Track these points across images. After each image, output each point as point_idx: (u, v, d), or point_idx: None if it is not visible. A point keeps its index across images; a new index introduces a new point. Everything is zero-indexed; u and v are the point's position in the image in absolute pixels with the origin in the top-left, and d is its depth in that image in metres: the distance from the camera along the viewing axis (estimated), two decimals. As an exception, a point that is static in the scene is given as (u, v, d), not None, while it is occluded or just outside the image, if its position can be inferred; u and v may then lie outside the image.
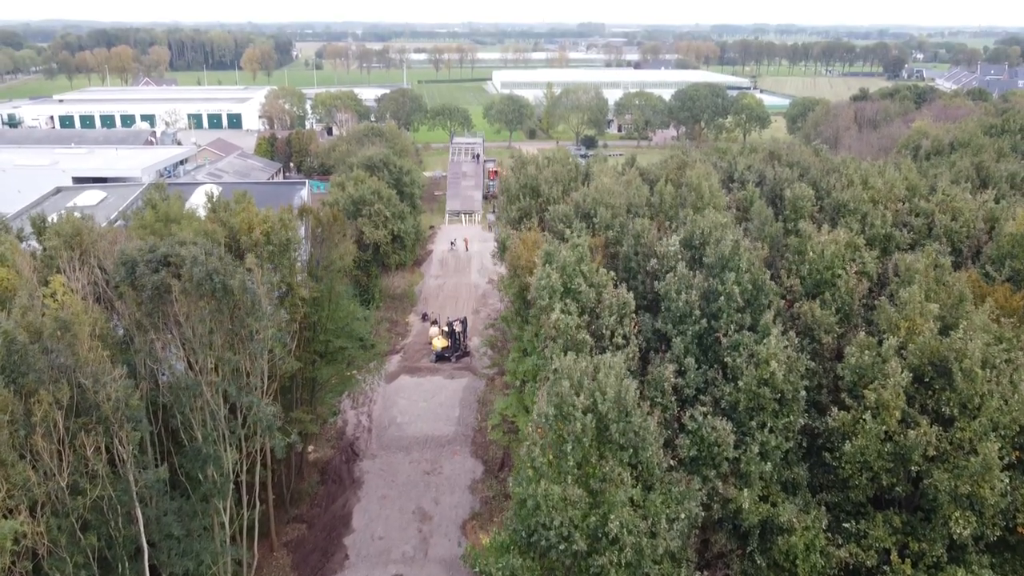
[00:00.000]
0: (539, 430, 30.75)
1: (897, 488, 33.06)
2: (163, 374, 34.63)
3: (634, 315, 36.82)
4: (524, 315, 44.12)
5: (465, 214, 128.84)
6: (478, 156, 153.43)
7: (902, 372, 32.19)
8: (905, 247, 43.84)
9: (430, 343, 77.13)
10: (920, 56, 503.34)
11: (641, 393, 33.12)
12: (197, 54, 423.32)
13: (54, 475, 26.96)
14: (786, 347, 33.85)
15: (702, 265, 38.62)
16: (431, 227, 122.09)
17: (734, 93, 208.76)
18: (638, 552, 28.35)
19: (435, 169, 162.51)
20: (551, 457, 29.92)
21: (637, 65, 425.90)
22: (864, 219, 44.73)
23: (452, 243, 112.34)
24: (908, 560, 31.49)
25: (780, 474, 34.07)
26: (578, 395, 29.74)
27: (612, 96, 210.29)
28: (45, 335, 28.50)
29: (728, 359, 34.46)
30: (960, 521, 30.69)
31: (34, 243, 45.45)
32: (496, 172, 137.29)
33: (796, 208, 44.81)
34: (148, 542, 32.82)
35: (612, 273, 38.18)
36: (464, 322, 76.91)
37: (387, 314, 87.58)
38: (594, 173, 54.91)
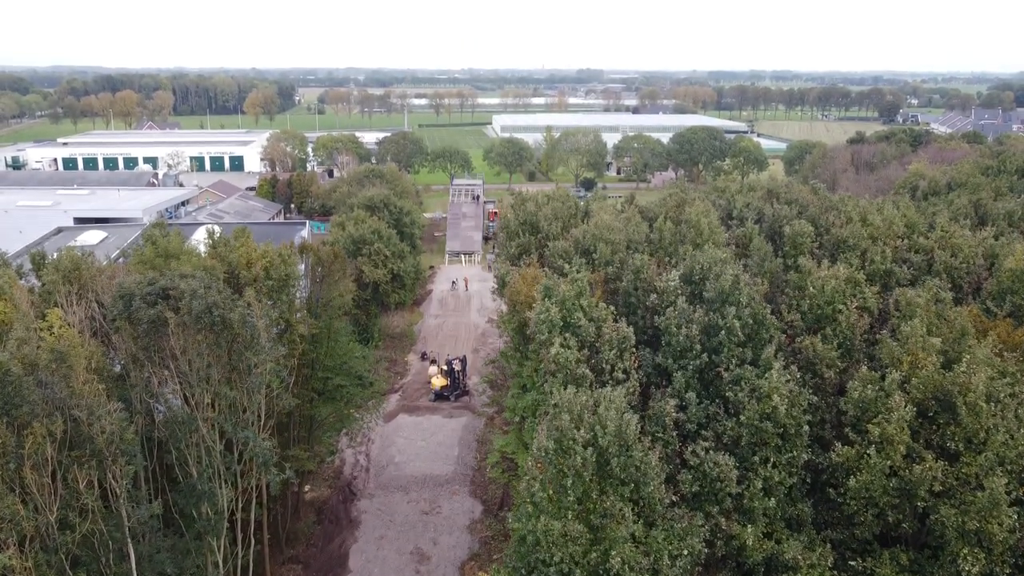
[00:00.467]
0: (539, 465, 30.32)
1: (903, 525, 32.47)
2: (159, 410, 34.26)
3: (634, 349, 36.57)
4: (523, 351, 43.84)
5: (465, 254, 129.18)
6: (478, 197, 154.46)
7: (906, 406, 31.86)
8: (905, 283, 43.75)
9: (429, 382, 76.65)
10: (915, 101, 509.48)
11: (642, 428, 32.68)
12: (200, 99, 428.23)
13: (44, 509, 26.44)
14: (788, 381, 33.55)
15: (702, 300, 38.48)
16: (431, 267, 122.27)
17: (731, 136, 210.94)
18: (640, 590, 27.73)
19: (435, 211, 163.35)
20: (551, 492, 29.44)
21: (635, 110, 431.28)
22: (864, 255, 44.73)
23: (453, 282, 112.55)
24: (916, 599, 30.82)
25: (784, 511, 33.52)
26: (578, 429, 29.36)
27: (611, 139, 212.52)
28: (40, 366, 28.22)
29: (730, 393, 34.15)
30: (968, 558, 30.03)
31: (33, 280, 45.37)
32: (496, 213, 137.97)
33: (795, 244, 44.84)
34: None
35: (612, 308, 38.03)
36: (463, 360, 76.51)
37: (386, 353, 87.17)
38: (593, 211, 55.14)
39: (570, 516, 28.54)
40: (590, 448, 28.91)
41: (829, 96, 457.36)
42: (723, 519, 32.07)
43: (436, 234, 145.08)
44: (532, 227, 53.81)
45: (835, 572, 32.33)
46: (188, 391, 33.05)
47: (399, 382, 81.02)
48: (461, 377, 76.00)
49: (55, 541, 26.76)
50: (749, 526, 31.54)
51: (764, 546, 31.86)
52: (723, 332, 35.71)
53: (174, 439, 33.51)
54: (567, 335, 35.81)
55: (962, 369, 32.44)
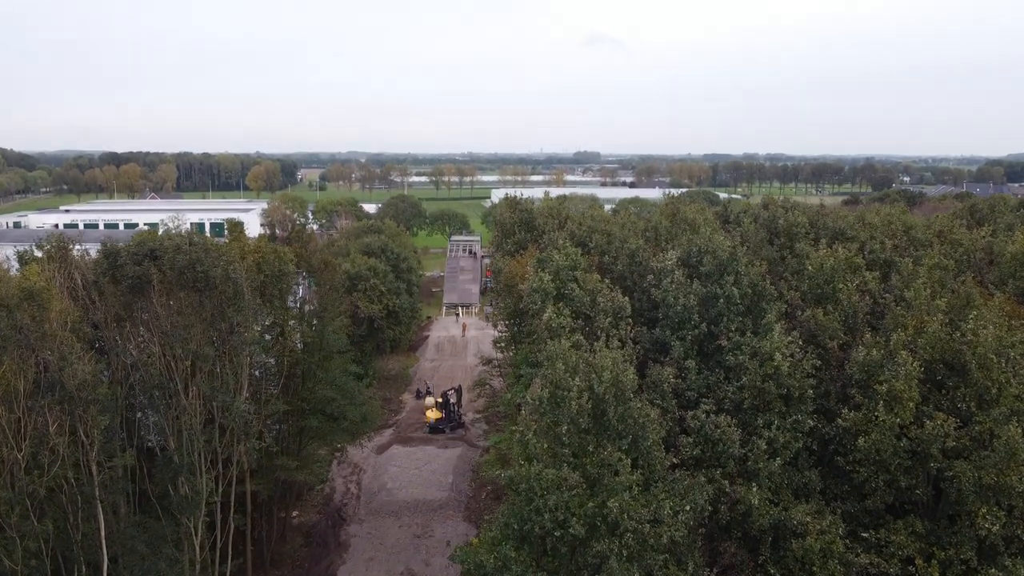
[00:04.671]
0: (532, 420, 28.99)
1: (917, 491, 30.82)
2: (136, 372, 32.97)
3: (630, 319, 35.55)
4: (518, 338, 42.72)
5: (463, 307, 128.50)
6: (475, 253, 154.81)
7: (913, 363, 30.69)
8: (906, 273, 42.84)
9: (424, 413, 74.88)
10: (907, 179, 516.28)
11: (639, 395, 31.38)
12: (204, 175, 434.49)
13: (11, 446, 25.05)
14: (790, 342, 32.47)
15: (700, 276, 37.59)
16: (428, 317, 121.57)
17: (727, 199, 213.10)
18: (640, 540, 26.01)
19: (434, 270, 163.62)
20: (546, 445, 28.01)
21: (632, 185, 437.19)
22: (863, 247, 44.02)
23: (457, 316, 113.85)
24: (935, 564, 28.90)
25: (790, 478, 31.88)
26: (573, 377, 28.17)
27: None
28: (12, 305, 27.22)
29: (730, 358, 32.98)
30: (988, 517, 28.37)
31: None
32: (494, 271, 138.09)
33: (791, 235, 44.02)
34: (109, 557, 30.30)
35: (607, 280, 37.14)
36: (459, 391, 74.85)
37: (381, 392, 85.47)
38: (588, 215, 54.87)
39: (566, 468, 27.07)
40: (586, 395, 27.65)
41: (822, 172, 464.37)
42: (727, 482, 30.43)
43: (434, 290, 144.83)
44: (528, 225, 53.41)
45: (847, 542, 30.51)
46: (169, 353, 31.85)
47: (394, 418, 79.17)
48: (456, 409, 74.27)
49: (19, 480, 25.21)
50: (754, 485, 29.90)
51: (771, 511, 30.14)
52: (722, 301, 34.77)
53: (152, 405, 32.18)
54: (560, 305, 34.86)
55: (970, 327, 31.40)
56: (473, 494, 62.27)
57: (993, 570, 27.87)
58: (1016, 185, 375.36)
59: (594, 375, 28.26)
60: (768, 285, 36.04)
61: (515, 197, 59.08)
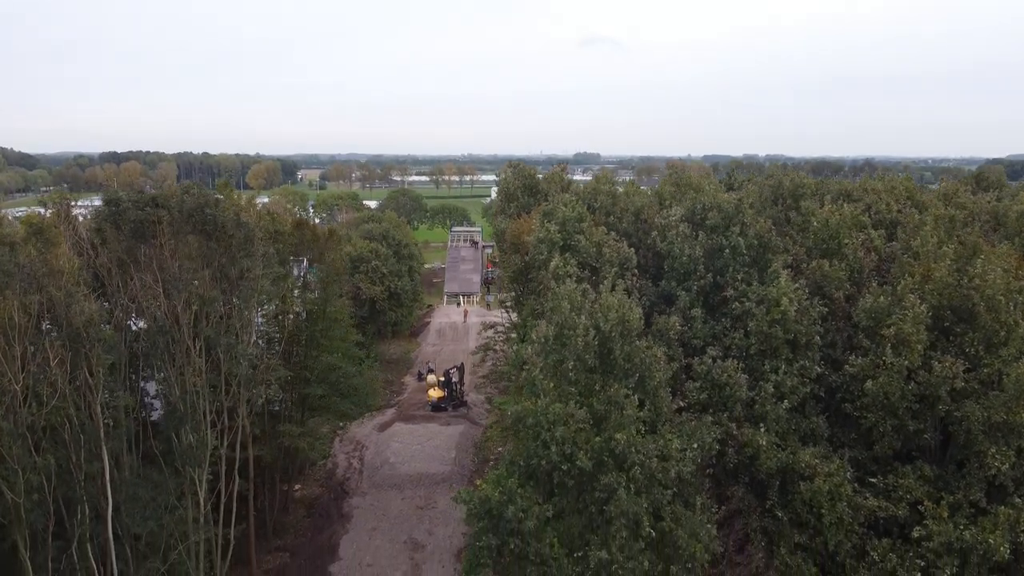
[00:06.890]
0: (538, 359, 28.82)
1: (925, 435, 30.65)
2: (140, 325, 32.81)
3: (635, 271, 35.40)
4: (523, 299, 42.55)
5: (463, 295, 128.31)
6: (476, 243, 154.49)
7: (921, 305, 30.53)
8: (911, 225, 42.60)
9: (427, 391, 74.69)
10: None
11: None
12: (204, 175, 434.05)
13: (8, 378, 24.83)
14: (797, 288, 32.30)
15: (705, 229, 37.41)
16: (428, 305, 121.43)
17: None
18: (648, 475, 25.84)
19: (434, 262, 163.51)
20: (552, 384, 27.84)
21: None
22: (869, 208, 43.81)
23: (459, 304, 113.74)
24: (944, 505, 28.69)
25: (798, 424, 31.69)
26: (579, 316, 28.02)
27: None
28: (15, 242, 27.08)
29: (736, 305, 32.80)
30: (997, 456, 28.22)
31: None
32: (494, 263, 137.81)
33: (796, 195, 43.78)
34: (112, 505, 30.12)
35: (613, 233, 36.99)
36: (460, 369, 74.62)
37: (383, 374, 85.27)
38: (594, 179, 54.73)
39: (572, 404, 26.89)
40: (592, 332, 27.49)
41: (822, 172, 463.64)
42: (734, 425, 30.26)
43: (435, 280, 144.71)
44: (531, 190, 53.32)
45: (855, 486, 30.31)
46: (175, 297, 31.60)
47: (396, 399, 78.97)
48: (459, 388, 74.04)
49: (18, 413, 25.00)
50: (762, 426, 29.72)
51: (778, 455, 29.95)
52: (727, 252, 34.61)
53: (155, 354, 31.93)
54: (567, 255, 34.71)
55: (977, 271, 31.22)
56: (476, 468, 62.05)
57: (1003, 508, 27.65)
58: (1015, 184, 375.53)
59: (600, 314, 28.12)
60: (774, 237, 35.86)
61: (519, 164, 58.83)
